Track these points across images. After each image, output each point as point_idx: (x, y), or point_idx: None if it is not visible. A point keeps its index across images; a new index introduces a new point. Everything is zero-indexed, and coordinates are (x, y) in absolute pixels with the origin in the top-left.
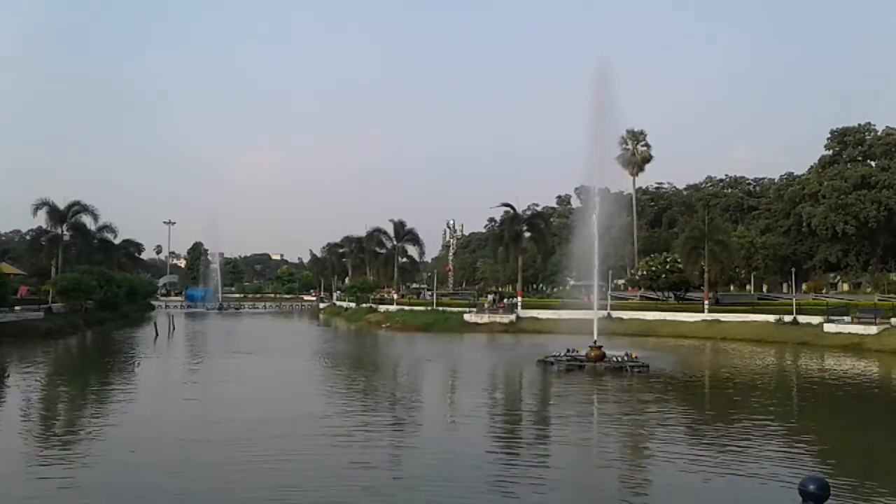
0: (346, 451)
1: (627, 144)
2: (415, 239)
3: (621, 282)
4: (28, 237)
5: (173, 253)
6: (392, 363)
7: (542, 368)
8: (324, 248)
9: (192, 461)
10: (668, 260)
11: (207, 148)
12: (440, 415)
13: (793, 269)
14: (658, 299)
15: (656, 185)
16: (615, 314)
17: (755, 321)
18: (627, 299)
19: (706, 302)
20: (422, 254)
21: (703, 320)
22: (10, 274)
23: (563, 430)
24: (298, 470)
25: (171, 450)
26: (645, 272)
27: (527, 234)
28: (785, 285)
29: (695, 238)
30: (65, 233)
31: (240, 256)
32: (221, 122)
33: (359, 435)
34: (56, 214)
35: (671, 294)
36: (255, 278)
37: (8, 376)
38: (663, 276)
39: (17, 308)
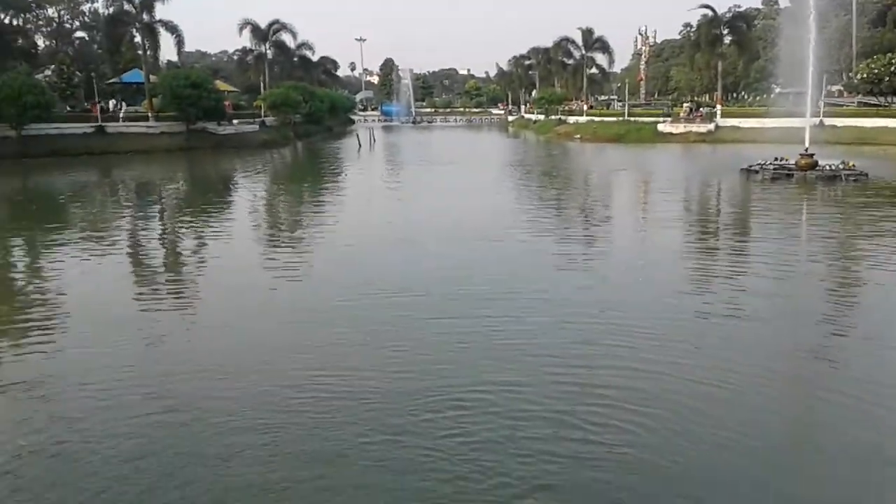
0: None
1: None
2: (604, 47)
3: (836, 87)
4: (235, 57)
5: (366, 70)
6: (583, 173)
7: (745, 177)
8: (510, 60)
9: (398, 257)
10: (894, 62)
11: None
12: (632, 226)
13: None
14: (879, 105)
15: None
16: (828, 122)
17: None
18: (842, 105)
19: None
20: (611, 63)
21: None
22: (226, 91)
23: (763, 244)
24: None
25: (385, 246)
26: (865, 75)
27: (727, 39)
28: None
29: None
30: (268, 50)
31: (428, 72)
32: None
33: (549, 249)
34: (259, 33)
35: (894, 99)
36: (444, 93)
37: (235, 183)
38: (886, 79)
39: (234, 122)
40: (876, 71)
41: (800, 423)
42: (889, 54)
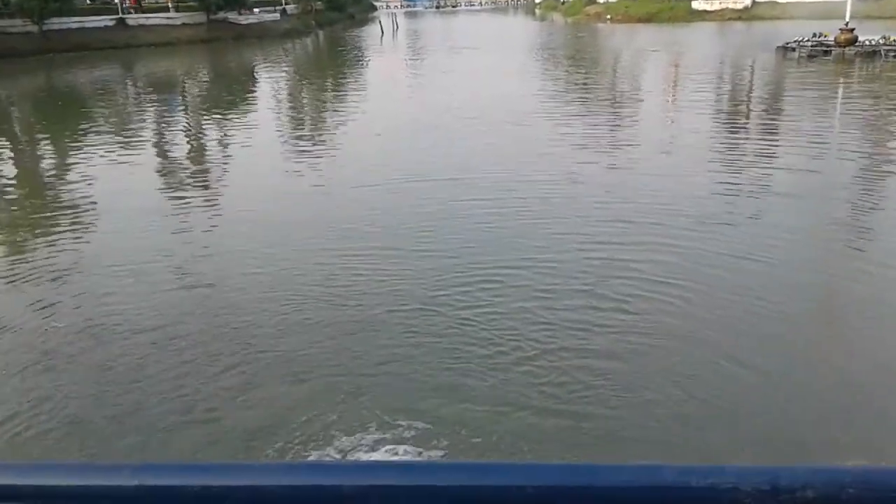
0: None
1: None
2: None
3: None
4: None
5: None
6: (612, 56)
7: (781, 55)
8: None
9: (425, 149)
10: None
11: None
12: (661, 107)
13: None
14: None
15: None
16: None
17: None
18: None
19: None
20: None
21: None
22: None
23: (792, 123)
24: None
25: (412, 131)
26: None
27: None
28: None
29: None
30: None
31: None
32: None
33: (577, 132)
34: None
35: None
36: None
37: (258, 75)
38: None
39: (256, 11)
40: None
41: (831, 293)
42: None
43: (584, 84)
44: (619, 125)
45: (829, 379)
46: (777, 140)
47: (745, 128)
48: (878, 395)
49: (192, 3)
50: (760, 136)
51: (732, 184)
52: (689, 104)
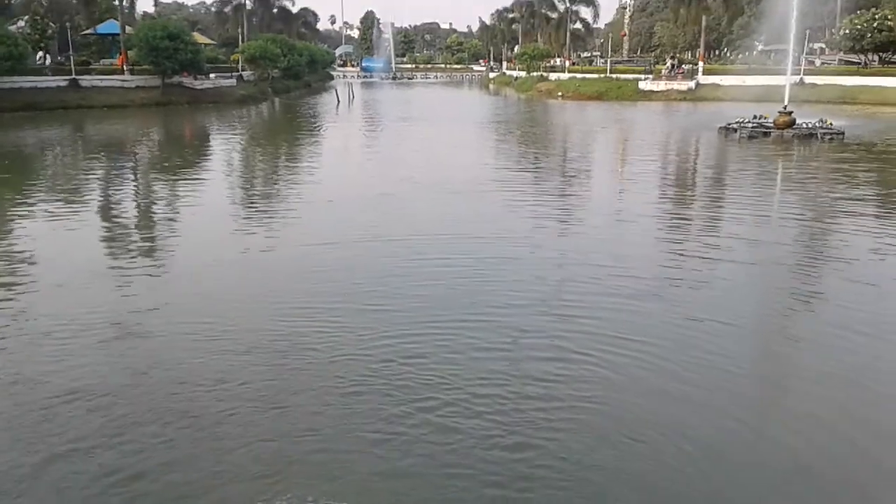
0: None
1: None
2: (588, 0)
3: (818, 45)
4: (213, 7)
5: (347, 23)
6: (563, 131)
7: (723, 135)
8: (493, 14)
9: (377, 215)
10: (877, 17)
11: None
12: (609, 181)
13: None
14: (859, 63)
15: None
16: (808, 80)
17: None
18: (827, 64)
19: None
20: (596, 17)
21: None
22: (203, 44)
23: (737, 208)
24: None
25: (363, 200)
26: (848, 31)
27: None
28: None
29: None
30: (246, 1)
31: (410, 26)
32: None
33: (528, 197)
34: None
35: (876, 57)
36: (425, 48)
37: (211, 139)
38: (869, 35)
39: (212, 76)
40: (859, 27)
41: (774, 358)
42: (873, 10)
43: (536, 156)
44: (570, 195)
45: (768, 453)
46: (722, 211)
47: (691, 200)
48: (818, 465)
49: (147, 67)
50: (706, 208)
51: (680, 252)
52: (637, 177)
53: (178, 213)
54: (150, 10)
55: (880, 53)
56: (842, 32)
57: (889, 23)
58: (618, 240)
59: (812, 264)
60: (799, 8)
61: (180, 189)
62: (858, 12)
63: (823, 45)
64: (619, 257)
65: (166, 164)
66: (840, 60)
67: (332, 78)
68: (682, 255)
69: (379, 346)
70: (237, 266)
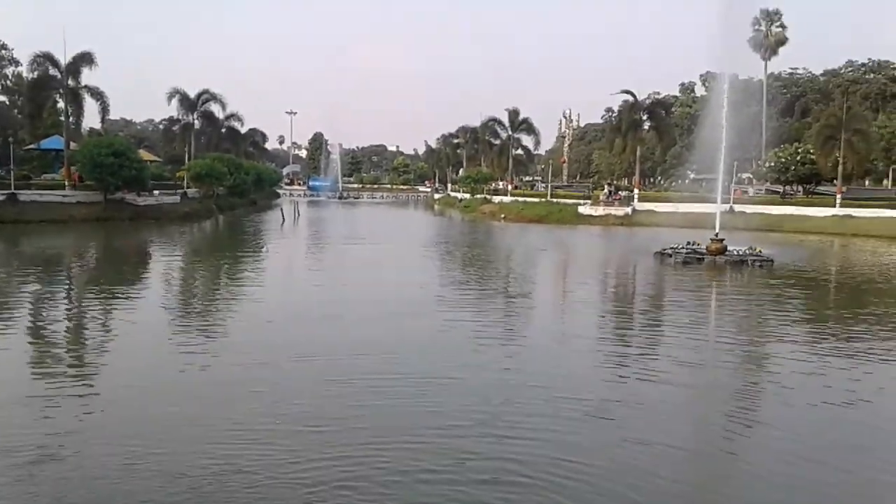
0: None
1: (761, 26)
2: (530, 129)
3: (746, 175)
4: (161, 126)
5: (295, 143)
6: (505, 253)
7: (659, 260)
8: (438, 139)
9: (318, 335)
10: (800, 151)
11: (325, 37)
12: (550, 303)
13: None
14: (783, 193)
15: (790, 71)
16: (738, 208)
17: (893, 217)
18: (755, 194)
19: (839, 196)
20: (537, 144)
21: (835, 216)
22: (149, 160)
23: (676, 331)
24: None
25: (304, 321)
26: (773, 163)
27: (647, 124)
28: None
29: (831, 127)
30: (195, 120)
31: (357, 147)
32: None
33: (471, 317)
34: (187, 102)
35: (800, 188)
36: (372, 169)
37: (149, 256)
38: (793, 168)
39: (156, 192)
40: (783, 160)
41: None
42: (796, 143)
43: (479, 277)
44: (512, 315)
45: None
46: (661, 334)
47: (631, 323)
48: None
49: (89, 182)
50: (645, 329)
51: (622, 375)
52: (579, 299)
53: (108, 334)
54: (97, 125)
55: (804, 185)
56: (767, 165)
57: (811, 156)
58: (560, 361)
59: (749, 389)
60: (727, 140)
61: (112, 308)
62: (783, 146)
63: (751, 175)
64: (561, 378)
65: (100, 282)
66: (767, 190)
67: (278, 196)
68: (623, 377)
69: (315, 469)
70: (169, 387)
